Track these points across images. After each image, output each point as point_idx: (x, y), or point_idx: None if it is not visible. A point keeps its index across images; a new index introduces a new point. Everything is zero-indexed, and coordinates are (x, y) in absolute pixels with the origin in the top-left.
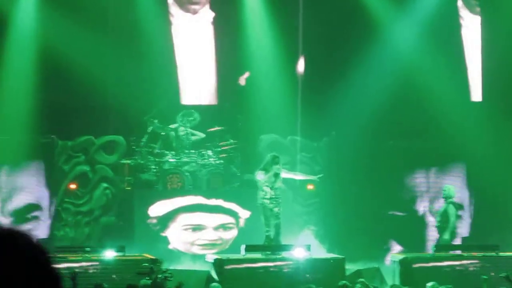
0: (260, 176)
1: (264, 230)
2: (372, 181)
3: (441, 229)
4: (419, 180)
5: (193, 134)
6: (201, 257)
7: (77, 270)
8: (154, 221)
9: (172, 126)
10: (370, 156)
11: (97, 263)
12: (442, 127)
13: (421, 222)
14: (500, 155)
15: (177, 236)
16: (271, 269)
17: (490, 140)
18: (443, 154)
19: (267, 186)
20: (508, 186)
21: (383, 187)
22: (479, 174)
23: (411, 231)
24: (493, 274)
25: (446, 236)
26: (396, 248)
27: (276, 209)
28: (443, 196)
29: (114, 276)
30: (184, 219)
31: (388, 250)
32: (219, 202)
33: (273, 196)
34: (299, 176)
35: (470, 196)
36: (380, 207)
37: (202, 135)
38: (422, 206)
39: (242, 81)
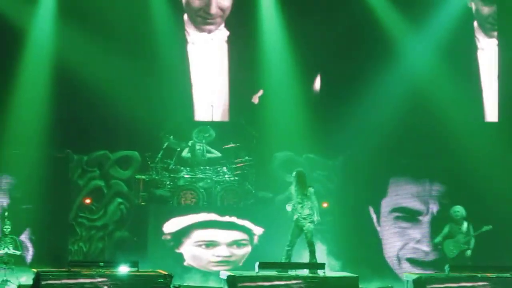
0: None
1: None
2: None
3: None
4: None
5: (208, 151)
6: (215, 273)
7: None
8: (169, 237)
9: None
10: (384, 175)
11: (110, 278)
12: (453, 148)
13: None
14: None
15: (191, 252)
16: (285, 287)
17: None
18: (457, 174)
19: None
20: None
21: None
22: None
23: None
24: None
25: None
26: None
27: (304, 228)
28: (458, 217)
29: None
30: (198, 235)
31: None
32: (233, 219)
33: (299, 214)
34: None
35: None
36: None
37: (219, 154)
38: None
39: (255, 99)
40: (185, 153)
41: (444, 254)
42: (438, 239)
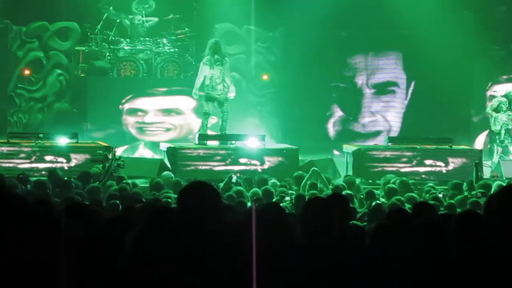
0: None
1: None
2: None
3: None
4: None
5: (147, 21)
6: (155, 145)
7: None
8: (109, 108)
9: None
10: (319, 45)
11: (49, 149)
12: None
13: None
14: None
15: (131, 123)
16: (224, 158)
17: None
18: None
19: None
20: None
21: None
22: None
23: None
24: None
25: None
26: (338, 112)
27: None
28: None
29: (66, 163)
30: (138, 105)
31: (331, 115)
32: (174, 89)
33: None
34: None
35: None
36: (325, 80)
37: (155, 19)
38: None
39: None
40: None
41: None
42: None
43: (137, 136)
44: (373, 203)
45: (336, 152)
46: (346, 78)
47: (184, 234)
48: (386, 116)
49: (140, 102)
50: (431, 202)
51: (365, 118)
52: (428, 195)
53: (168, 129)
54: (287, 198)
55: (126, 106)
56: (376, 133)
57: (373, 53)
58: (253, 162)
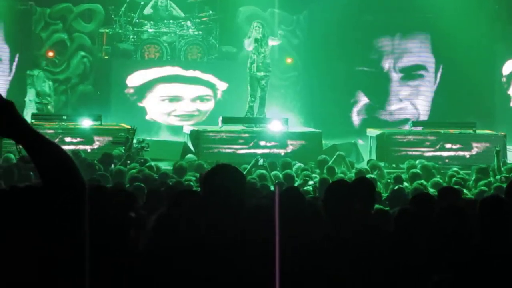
0: (246, 43)
1: (248, 100)
2: (344, 48)
3: None
4: (385, 43)
5: (173, 8)
6: (179, 128)
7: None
8: (132, 91)
9: None
10: (343, 29)
11: (73, 131)
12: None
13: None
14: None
15: (154, 107)
16: (247, 142)
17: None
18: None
19: (253, 53)
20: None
21: (353, 50)
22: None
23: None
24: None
25: None
26: (363, 99)
27: (262, 82)
28: None
29: (89, 145)
30: (162, 89)
31: (355, 102)
32: (197, 73)
33: (260, 64)
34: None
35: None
36: (350, 64)
37: (182, 14)
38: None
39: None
40: (147, 10)
41: None
42: None
43: (161, 122)
44: (395, 188)
45: (361, 142)
46: (371, 61)
47: (208, 217)
48: (414, 102)
49: (163, 86)
50: (455, 186)
51: (393, 105)
52: (454, 178)
53: (191, 116)
54: (311, 182)
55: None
56: (404, 121)
57: (400, 34)
58: (276, 145)
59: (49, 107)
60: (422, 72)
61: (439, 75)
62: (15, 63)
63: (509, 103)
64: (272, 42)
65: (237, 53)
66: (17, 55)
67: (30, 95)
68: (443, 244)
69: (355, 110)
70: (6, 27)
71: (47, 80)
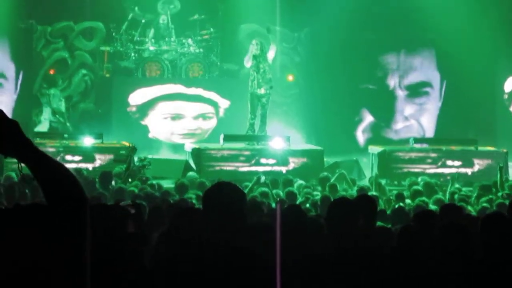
0: (245, 60)
1: (248, 118)
2: (347, 65)
3: None
4: (391, 60)
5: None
6: (180, 146)
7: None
8: (134, 109)
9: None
10: (345, 46)
11: (74, 149)
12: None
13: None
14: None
15: (156, 125)
16: (249, 159)
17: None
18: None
19: (253, 70)
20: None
21: (357, 67)
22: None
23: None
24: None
25: None
26: (368, 117)
27: (263, 99)
28: None
29: (91, 163)
30: (164, 107)
31: (360, 121)
32: (199, 91)
33: (261, 80)
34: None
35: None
36: (353, 82)
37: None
38: (392, 81)
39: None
40: (151, 34)
41: None
42: None
43: (163, 140)
44: (397, 206)
45: (365, 160)
46: (376, 79)
47: (209, 234)
48: (420, 120)
49: (165, 104)
50: (460, 203)
51: (398, 123)
52: (456, 195)
53: (192, 134)
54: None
55: (153, 107)
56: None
57: (405, 50)
58: (278, 162)
59: (67, 124)
60: (427, 89)
61: (443, 91)
62: (19, 81)
63: (511, 119)
64: (271, 52)
65: (238, 71)
66: (21, 73)
67: (46, 114)
68: (446, 261)
69: (360, 128)
70: (11, 45)
71: (63, 99)
